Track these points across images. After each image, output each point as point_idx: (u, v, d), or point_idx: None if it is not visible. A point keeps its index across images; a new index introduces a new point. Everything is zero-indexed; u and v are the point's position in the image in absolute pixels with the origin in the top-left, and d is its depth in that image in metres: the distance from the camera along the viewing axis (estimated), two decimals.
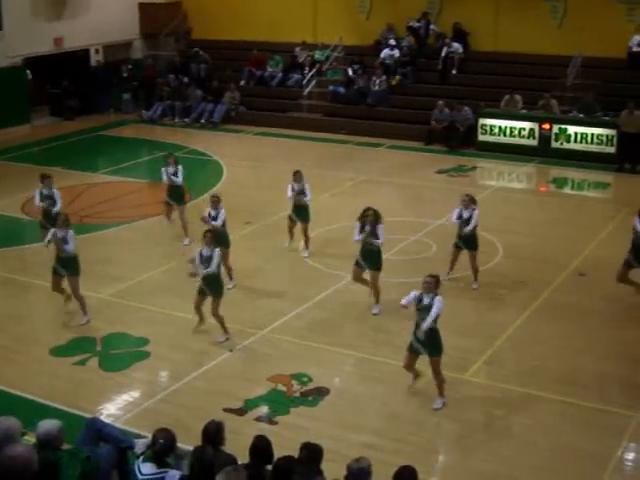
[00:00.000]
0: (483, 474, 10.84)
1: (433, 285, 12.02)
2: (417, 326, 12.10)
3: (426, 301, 11.96)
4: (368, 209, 15.01)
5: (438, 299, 11.93)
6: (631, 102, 24.62)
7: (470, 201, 15.97)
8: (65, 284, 15.10)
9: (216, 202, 16.26)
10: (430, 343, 12.05)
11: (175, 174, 18.61)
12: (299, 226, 17.83)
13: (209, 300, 14.16)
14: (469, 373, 13.29)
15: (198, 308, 14.31)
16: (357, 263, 15.25)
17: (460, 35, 30.02)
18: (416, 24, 30.53)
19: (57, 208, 16.99)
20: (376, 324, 14.83)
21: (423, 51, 30.60)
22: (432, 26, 30.53)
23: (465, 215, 15.87)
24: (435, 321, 11.95)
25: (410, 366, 12.43)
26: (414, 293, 12.12)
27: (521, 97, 27.25)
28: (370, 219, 14.85)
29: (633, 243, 15.21)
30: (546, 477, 10.82)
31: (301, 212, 17.73)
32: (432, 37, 30.63)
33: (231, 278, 16.46)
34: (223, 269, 15.05)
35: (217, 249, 13.98)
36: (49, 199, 17.18)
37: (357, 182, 23.81)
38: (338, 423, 11.87)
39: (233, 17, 33.45)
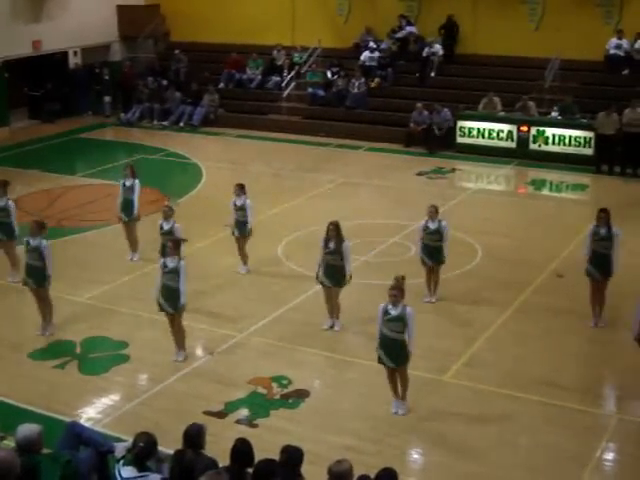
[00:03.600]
0: (464, 475, 10.87)
1: (399, 296, 11.89)
2: (382, 337, 11.99)
3: (393, 312, 11.84)
4: (330, 224, 14.55)
5: (410, 315, 11.85)
6: (611, 104, 24.75)
7: (436, 212, 15.61)
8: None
9: (167, 213, 15.95)
10: (396, 354, 11.98)
11: (131, 188, 17.85)
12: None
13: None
14: (448, 375, 13.32)
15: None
16: (322, 284, 14.77)
17: (451, 28, 29.89)
18: (404, 32, 30.54)
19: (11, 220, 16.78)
20: (354, 326, 14.81)
21: (403, 54, 30.64)
22: (412, 28, 30.50)
23: (431, 226, 15.53)
24: (403, 333, 11.88)
25: (393, 378, 12.27)
26: (381, 307, 12.04)
27: (499, 99, 27.35)
28: (331, 234, 14.45)
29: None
30: (526, 477, 10.85)
31: (241, 227, 17.02)
32: (412, 41, 30.62)
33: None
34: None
35: (182, 261, 13.63)
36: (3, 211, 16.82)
37: (336, 184, 23.83)
38: (318, 425, 11.88)
39: (212, 19, 33.43)
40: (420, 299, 15.68)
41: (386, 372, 12.21)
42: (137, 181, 17.96)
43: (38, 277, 14.56)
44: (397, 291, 11.89)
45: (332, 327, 14.85)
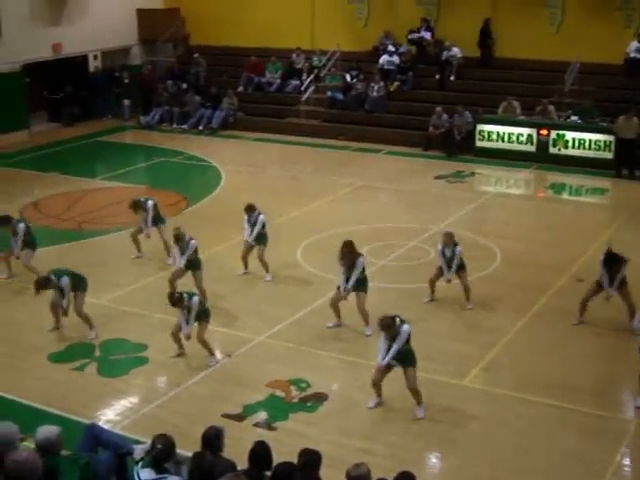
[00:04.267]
0: (480, 479, 10.84)
1: (390, 332, 11.95)
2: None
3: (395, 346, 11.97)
4: (343, 245, 14.60)
5: (404, 332, 11.93)
6: (631, 108, 24.66)
7: (451, 239, 15.58)
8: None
9: (178, 237, 15.78)
10: (404, 355, 12.04)
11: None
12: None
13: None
14: (467, 379, 13.29)
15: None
16: (339, 287, 14.83)
17: (488, 32, 29.57)
18: (416, 35, 30.54)
19: None
20: (372, 329, 14.80)
21: (422, 58, 30.61)
22: (428, 34, 30.42)
23: (447, 253, 15.53)
24: (408, 342, 11.97)
25: (378, 382, 12.32)
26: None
27: (519, 103, 27.29)
28: (345, 250, 14.53)
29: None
30: None
31: (260, 237, 17.00)
32: (431, 44, 30.62)
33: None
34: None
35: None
36: None
37: (355, 188, 23.82)
38: (336, 429, 11.87)
39: (231, 23, 33.50)
40: (442, 304, 15.73)
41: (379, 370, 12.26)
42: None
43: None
44: (383, 327, 11.98)
45: (337, 325, 14.99)
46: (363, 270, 14.66)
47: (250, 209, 16.94)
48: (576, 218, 21.71)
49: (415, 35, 30.59)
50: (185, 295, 13.60)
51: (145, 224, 17.82)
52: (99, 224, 20.91)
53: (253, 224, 16.85)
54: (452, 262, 15.52)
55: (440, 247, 15.69)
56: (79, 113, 32.77)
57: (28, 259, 16.87)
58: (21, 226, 16.79)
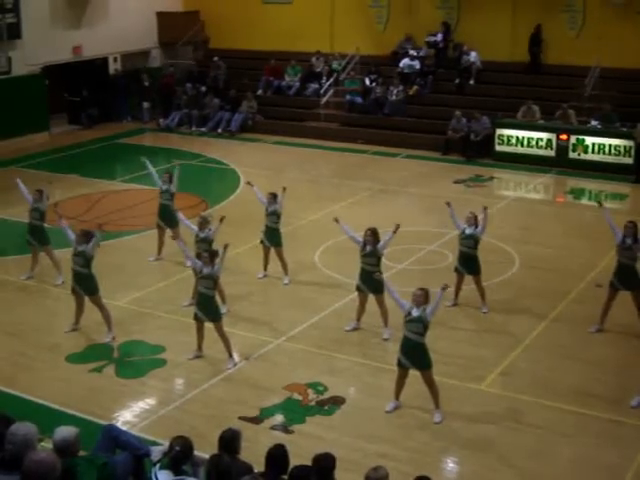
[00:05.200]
0: None
1: (422, 298, 11.95)
2: (404, 340, 12.12)
3: (415, 314, 11.92)
4: (367, 230, 14.68)
5: (429, 313, 11.94)
6: None
7: (474, 219, 15.68)
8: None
9: (202, 225, 15.76)
10: (418, 358, 12.05)
11: (167, 192, 18.08)
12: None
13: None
14: (485, 384, 13.26)
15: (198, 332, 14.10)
16: (358, 288, 14.91)
17: (539, 37, 29.22)
18: (432, 38, 30.52)
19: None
20: (391, 332, 14.78)
21: (441, 62, 30.58)
22: (440, 37, 30.36)
23: (467, 231, 15.61)
24: (423, 335, 11.95)
25: (400, 384, 12.36)
26: (406, 307, 12.12)
27: (538, 107, 27.22)
28: (368, 239, 14.59)
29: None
30: None
31: (271, 235, 17.06)
32: (450, 47, 30.61)
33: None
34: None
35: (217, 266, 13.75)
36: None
37: (374, 192, 23.82)
38: (353, 432, 11.86)
39: (251, 26, 33.57)
40: (460, 309, 15.74)
41: (398, 373, 12.29)
42: (173, 186, 18.16)
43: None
44: (420, 291, 12.01)
45: (355, 329, 15.01)
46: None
47: (272, 197, 17.03)
48: (595, 223, 21.56)
49: (431, 38, 30.56)
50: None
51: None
52: (118, 226, 20.97)
53: (271, 213, 16.91)
54: (469, 242, 15.56)
55: (463, 225, 15.71)
56: (98, 115, 32.88)
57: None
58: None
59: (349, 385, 13.43)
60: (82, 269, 14.59)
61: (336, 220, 15.07)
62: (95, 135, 31.31)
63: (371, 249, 14.56)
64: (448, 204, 15.98)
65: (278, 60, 32.83)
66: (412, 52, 30.57)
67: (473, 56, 29.67)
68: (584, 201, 24.15)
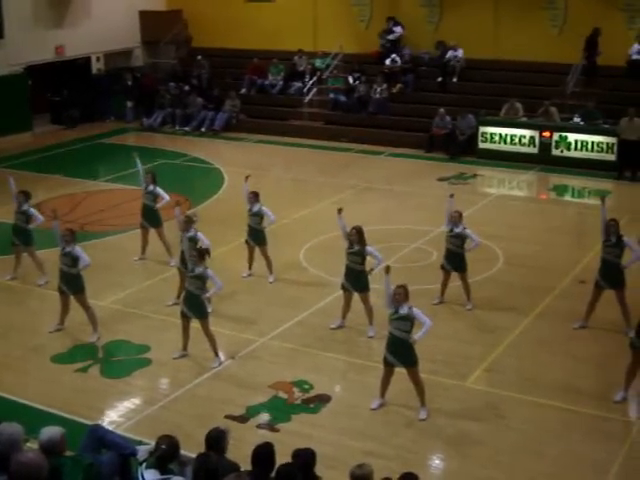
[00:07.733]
0: None
1: (402, 296, 11.96)
2: (390, 337, 12.13)
3: (402, 311, 11.94)
4: (352, 228, 14.61)
5: (419, 312, 12.00)
6: (631, 109, 24.65)
7: (459, 217, 15.69)
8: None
9: (188, 223, 15.46)
10: (404, 355, 12.07)
11: (151, 193, 17.95)
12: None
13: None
14: (470, 380, 13.30)
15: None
16: (343, 287, 14.92)
17: (595, 40, 28.11)
18: (392, 35, 30.68)
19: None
20: (376, 331, 14.81)
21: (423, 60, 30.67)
22: (399, 29, 30.42)
23: (456, 230, 15.62)
24: (410, 333, 11.97)
25: (386, 382, 12.38)
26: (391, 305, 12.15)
27: (521, 105, 27.29)
28: (353, 238, 14.54)
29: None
30: None
31: (255, 235, 17.09)
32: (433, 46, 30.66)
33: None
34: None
35: (208, 269, 13.72)
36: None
37: (358, 190, 23.84)
38: (339, 430, 11.88)
39: (233, 25, 33.50)
40: (445, 305, 15.79)
41: (384, 371, 12.32)
42: (159, 189, 18.06)
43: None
44: (400, 289, 12.01)
45: (341, 327, 15.04)
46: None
47: (254, 196, 16.97)
48: (579, 220, 21.72)
49: (395, 34, 30.66)
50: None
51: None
52: (101, 226, 20.93)
53: (254, 214, 16.89)
54: (457, 241, 15.57)
55: (450, 225, 15.69)
56: (79, 115, 32.73)
57: None
58: None
59: (334, 383, 13.45)
60: (70, 269, 14.58)
61: (339, 211, 14.87)
62: (78, 135, 31.20)
63: (358, 248, 14.56)
64: (451, 196, 16.10)
65: (261, 59, 32.80)
66: (394, 56, 30.50)
67: (458, 53, 29.68)
68: (567, 198, 24.24)
